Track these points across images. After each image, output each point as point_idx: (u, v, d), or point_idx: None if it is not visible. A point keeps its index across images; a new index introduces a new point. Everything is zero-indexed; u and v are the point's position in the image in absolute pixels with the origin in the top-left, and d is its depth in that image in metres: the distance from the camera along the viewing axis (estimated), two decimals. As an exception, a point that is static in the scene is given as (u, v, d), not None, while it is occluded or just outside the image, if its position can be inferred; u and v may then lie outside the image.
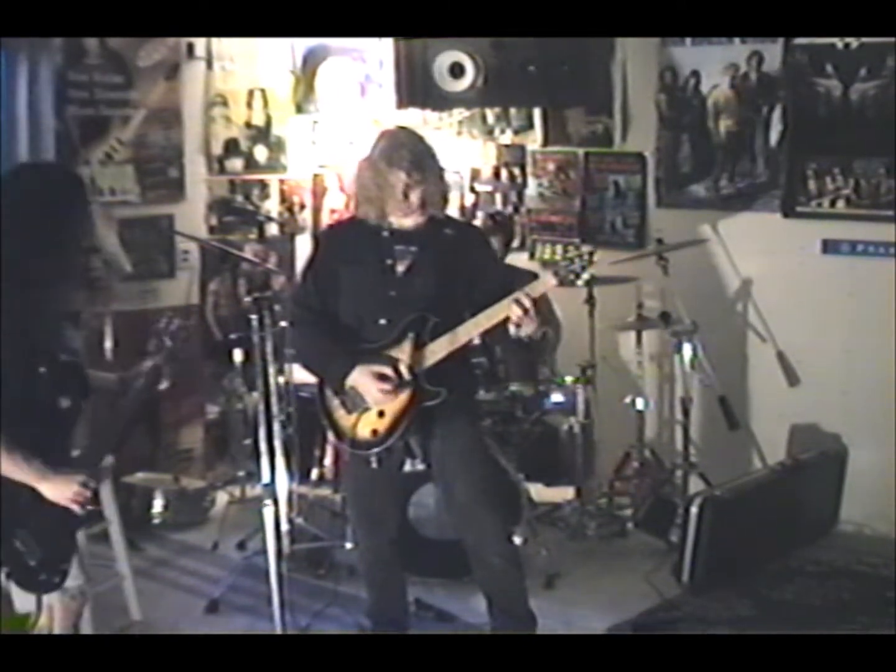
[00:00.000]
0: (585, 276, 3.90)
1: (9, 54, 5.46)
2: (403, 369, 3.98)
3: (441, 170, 4.13)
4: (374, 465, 4.04)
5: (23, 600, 3.42)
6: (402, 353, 4.00)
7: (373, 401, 4.00)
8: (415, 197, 4.01)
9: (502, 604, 4.26)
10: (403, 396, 3.99)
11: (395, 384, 3.97)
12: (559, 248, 6.50)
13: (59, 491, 3.30)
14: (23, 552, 3.32)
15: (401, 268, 4.07)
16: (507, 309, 3.86)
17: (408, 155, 4.01)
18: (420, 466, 4.38)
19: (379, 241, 4.09)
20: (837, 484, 5.40)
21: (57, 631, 3.48)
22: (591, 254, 3.91)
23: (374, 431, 4.04)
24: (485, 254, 4.26)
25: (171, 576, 5.34)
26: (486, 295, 3.99)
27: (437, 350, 3.98)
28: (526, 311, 3.82)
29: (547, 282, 3.91)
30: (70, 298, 3.58)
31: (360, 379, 3.99)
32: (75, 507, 3.32)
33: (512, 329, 3.90)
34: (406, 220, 4.08)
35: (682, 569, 4.81)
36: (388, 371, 3.97)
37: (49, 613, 3.46)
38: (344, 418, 4.09)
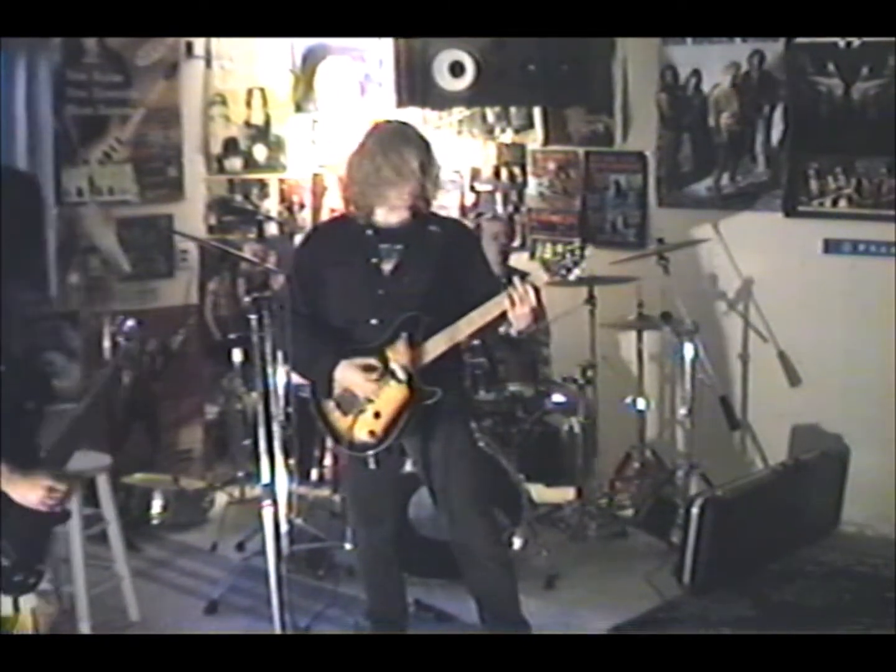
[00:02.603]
0: (577, 271, 3.88)
1: (7, 54, 5.45)
2: (397, 368, 3.96)
3: (438, 166, 4.08)
4: (373, 466, 4.03)
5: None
6: (396, 353, 3.98)
7: (361, 392, 3.98)
8: (430, 180, 3.97)
9: (494, 609, 4.23)
10: (399, 397, 3.98)
11: (380, 373, 3.95)
12: (560, 248, 6.51)
13: (26, 493, 3.25)
14: None
15: (387, 266, 4.04)
16: (501, 305, 3.84)
17: (414, 140, 3.99)
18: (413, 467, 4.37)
19: (364, 240, 4.05)
20: (839, 484, 5.39)
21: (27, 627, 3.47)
22: (582, 249, 3.90)
23: (372, 433, 4.02)
24: (471, 251, 4.20)
25: (170, 577, 5.33)
26: (474, 293, 3.97)
27: (431, 349, 3.96)
28: (514, 304, 3.80)
29: (539, 278, 3.89)
30: (26, 299, 3.54)
31: (346, 373, 3.98)
32: (44, 509, 3.28)
33: (510, 322, 3.87)
34: (391, 217, 4.05)
35: (682, 569, 4.80)
36: (371, 362, 3.96)
37: (32, 615, 3.43)
38: (340, 420, 4.07)
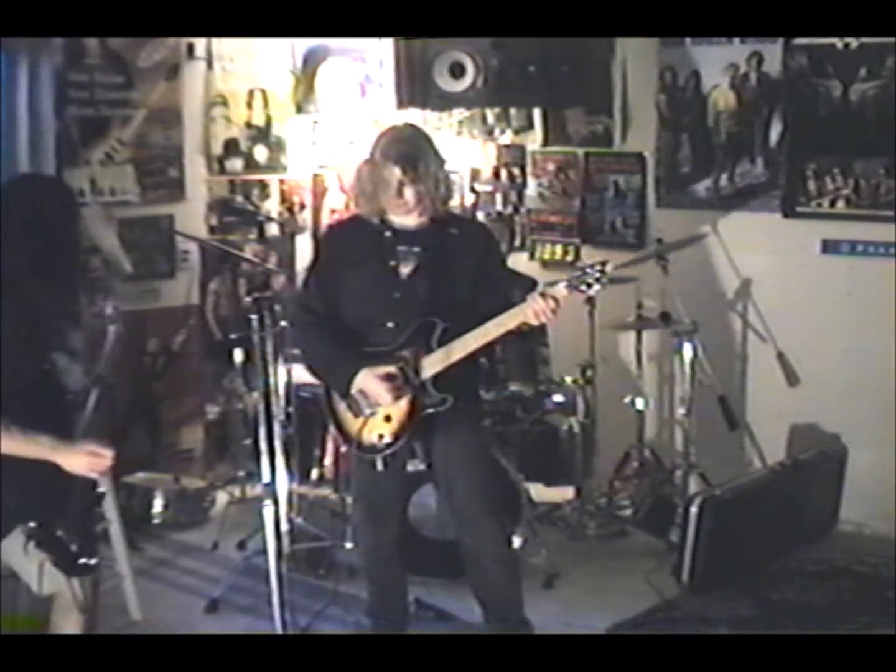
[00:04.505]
0: (598, 287, 3.83)
1: (9, 54, 5.46)
2: (412, 375, 3.97)
3: (441, 167, 4.06)
4: (381, 467, 4.03)
5: (51, 583, 3.53)
6: (411, 358, 3.98)
7: (380, 402, 3.99)
8: (409, 194, 3.95)
9: (497, 611, 4.24)
10: (409, 402, 3.99)
11: (401, 383, 3.96)
12: (559, 249, 6.53)
13: (74, 460, 3.40)
14: (64, 539, 3.44)
15: (405, 269, 4.03)
16: (518, 317, 3.83)
17: (405, 149, 3.96)
18: (421, 466, 4.38)
19: (381, 242, 4.05)
20: (837, 484, 5.41)
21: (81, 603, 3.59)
22: (603, 264, 3.85)
23: (381, 436, 4.03)
24: (490, 253, 4.19)
25: (171, 576, 5.34)
26: (489, 296, 3.97)
27: (445, 357, 3.96)
28: (537, 317, 3.80)
29: (559, 291, 3.85)
30: (70, 301, 3.71)
31: (366, 382, 3.97)
32: (94, 475, 3.46)
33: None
34: (408, 220, 4.04)
35: (681, 569, 4.81)
36: (393, 370, 3.96)
37: (81, 588, 3.58)
38: (351, 422, 4.08)
